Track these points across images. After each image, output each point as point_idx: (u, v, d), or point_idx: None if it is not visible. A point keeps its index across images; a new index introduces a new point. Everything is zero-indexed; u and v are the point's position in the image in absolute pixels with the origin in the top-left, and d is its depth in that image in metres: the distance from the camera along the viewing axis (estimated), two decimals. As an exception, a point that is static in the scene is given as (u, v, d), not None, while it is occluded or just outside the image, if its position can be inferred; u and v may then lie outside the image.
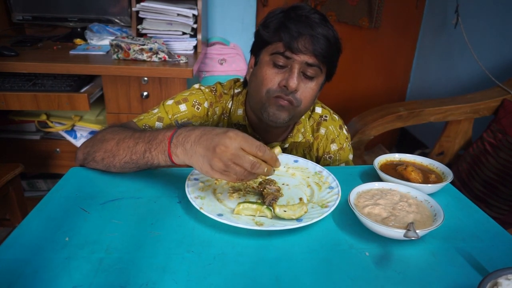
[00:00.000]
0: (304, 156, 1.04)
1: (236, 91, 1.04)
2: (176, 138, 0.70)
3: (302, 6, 0.88)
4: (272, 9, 0.92)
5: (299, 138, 1.04)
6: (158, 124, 0.96)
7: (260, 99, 0.90)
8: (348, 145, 1.09)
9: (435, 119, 1.95)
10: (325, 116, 1.07)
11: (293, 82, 0.85)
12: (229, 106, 1.03)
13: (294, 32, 0.84)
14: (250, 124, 1.02)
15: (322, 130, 1.06)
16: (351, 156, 1.11)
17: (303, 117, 1.04)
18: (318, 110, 1.08)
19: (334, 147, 1.07)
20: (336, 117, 1.10)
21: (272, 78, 0.88)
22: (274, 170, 0.67)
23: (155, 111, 0.98)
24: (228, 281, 0.55)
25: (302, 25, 0.84)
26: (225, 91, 1.04)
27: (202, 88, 1.03)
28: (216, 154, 0.63)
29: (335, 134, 1.07)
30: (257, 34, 0.93)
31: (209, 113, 1.01)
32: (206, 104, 1.01)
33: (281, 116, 0.89)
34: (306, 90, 0.89)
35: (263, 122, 0.93)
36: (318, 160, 1.08)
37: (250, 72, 0.97)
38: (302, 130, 1.05)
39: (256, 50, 0.94)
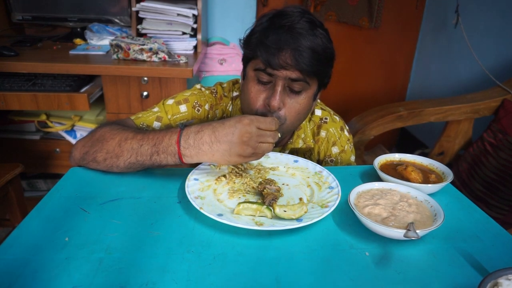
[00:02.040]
0: None
1: (234, 94, 1.03)
2: (185, 141, 0.73)
3: (289, 12, 0.82)
4: (261, 15, 0.87)
5: (299, 144, 1.03)
6: (156, 124, 0.94)
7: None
8: (350, 147, 1.08)
9: (435, 119, 1.95)
10: (325, 118, 1.06)
11: (275, 101, 0.82)
12: (230, 109, 1.02)
13: (273, 49, 0.79)
14: None
15: (323, 133, 1.05)
16: (353, 158, 1.09)
17: (300, 124, 1.03)
18: (318, 112, 1.06)
19: (335, 150, 1.05)
20: (337, 118, 1.08)
21: (258, 97, 0.86)
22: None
23: (155, 109, 0.96)
24: (228, 281, 0.55)
25: (283, 38, 0.79)
26: (225, 94, 1.03)
27: (203, 89, 1.02)
28: (244, 143, 0.70)
29: (336, 137, 1.05)
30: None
31: (209, 115, 1.00)
32: (207, 106, 1.00)
33: None
34: (293, 105, 0.86)
35: None
36: (319, 164, 1.06)
37: (241, 83, 0.96)
38: (302, 135, 1.04)
39: (244, 62, 0.92)
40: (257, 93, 0.86)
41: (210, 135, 0.72)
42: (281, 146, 1.03)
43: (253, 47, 0.84)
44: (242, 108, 0.95)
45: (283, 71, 0.81)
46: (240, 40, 0.91)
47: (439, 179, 0.85)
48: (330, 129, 1.05)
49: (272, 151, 0.99)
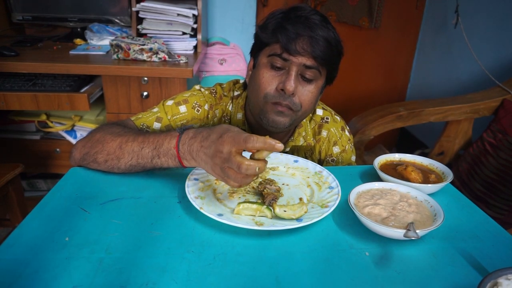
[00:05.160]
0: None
1: (235, 93, 1.03)
2: (182, 146, 0.72)
3: (302, 7, 0.87)
4: (273, 10, 0.90)
5: (300, 141, 1.04)
6: (156, 125, 0.95)
7: (258, 104, 0.89)
8: (351, 147, 1.08)
9: (435, 119, 1.95)
10: (327, 118, 1.06)
11: (290, 85, 0.83)
12: (230, 109, 1.02)
13: (292, 33, 0.82)
14: (250, 128, 1.01)
15: (324, 133, 1.05)
16: (353, 158, 1.10)
17: (303, 120, 1.03)
18: (319, 112, 1.07)
19: (336, 149, 1.06)
20: (338, 118, 1.09)
21: (270, 82, 0.86)
22: (266, 164, 0.65)
23: (155, 110, 0.97)
24: (228, 281, 0.55)
25: (300, 26, 0.83)
26: (225, 93, 1.03)
27: (202, 90, 1.02)
28: (215, 161, 0.65)
29: (337, 136, 1.06)
30: (256, 36, 0.92)
31: (209, 115, 1.01)
32: (206, 107, 1.00)
33: (281, 121, 0.88)
34: (305, 93, 0.87)
35: (263, 126, 0.92)
36: (320, 163, 1.07)
37: (249, 75, 0.96)
38: (303, 133, 1.04)
39: (255, 52, 0.93)
40: (269, 78, 0.87)
41: (199, 142, 0.69)
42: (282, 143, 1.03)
43: (271, 32, 0.86)
44: (250, 98, 0.95)
45: (299, 57, 0.84)
46: (256, 26, 0.92)
47: (439, 179, 0.85)
48: (331, 129, 1.06)
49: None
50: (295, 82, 0.85)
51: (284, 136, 1.02)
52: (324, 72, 0.89)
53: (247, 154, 0.92)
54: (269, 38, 0.87)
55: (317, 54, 0.83)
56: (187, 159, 0.72)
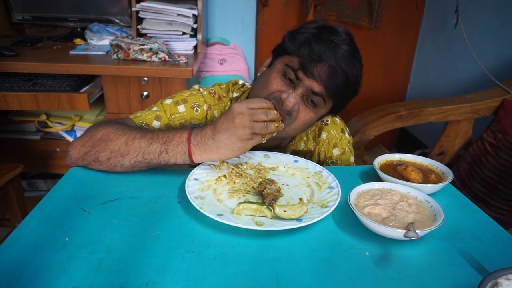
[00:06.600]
0: None
1: (234, 95, 1.03)
2: (194, 138, 0.76)
3: (339, 31, 0.84)
4: (310, 21, 0.89)
5: (301, 146, 1.04)
6: (155, 123, 0.94)
7: None
8: (350, 148, 1.08)
9: (435, 119, 1.95)
10: (326, 120, 1.06)
11: (289, 101, 0.82)
12: None
13: (315, 56, 0.81)
14: None
15: (324, 135, 1.05)
16: (352, 159, 1.09)
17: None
18: None
19: (336, 151, 1.06)
20: (338, 120, 1.08)
21: (277, 86, 0.85)
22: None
23: (154, 109, 0.97)
24: (228, 281, 0.55)
25: (327, 52, 0.80)
26: (224, 94, 1.03)
27: (201, 90, 1.02)
28: (239, 125, 0.73)
29: (337, 139, 1.05)
30: (283, 40, 0.90)
31: (207, 116, 1.00)
32: (205, 107, 1.00)
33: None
34: (303, 114, 0.86)
35: None
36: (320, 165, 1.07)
37: (261, 70, 0.95)
38: (305, 138, 1.04)
39: (276, 53, 0.92)
40: (278, 82, 0.86)
41: (212, 129, 0.76)
42: (282, 147, 1.03)
43: (298, 44, 0.84)
44: (253, 92, 0.93)
45: (311, 80, 0.82)
46: (287, 32, 0.90)
47: (439, 179, 0.85)
48: (331, 131, 1.05)
49: (273, 151, 1.00)
50: (296, 100, 0.83)
51: (284, 139, 1.02)
52: (330, 103, 0.88)
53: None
54: (293, 49, 0.85)
55: (329, 84, 0.82)
56: (198, 152, 0.76)
